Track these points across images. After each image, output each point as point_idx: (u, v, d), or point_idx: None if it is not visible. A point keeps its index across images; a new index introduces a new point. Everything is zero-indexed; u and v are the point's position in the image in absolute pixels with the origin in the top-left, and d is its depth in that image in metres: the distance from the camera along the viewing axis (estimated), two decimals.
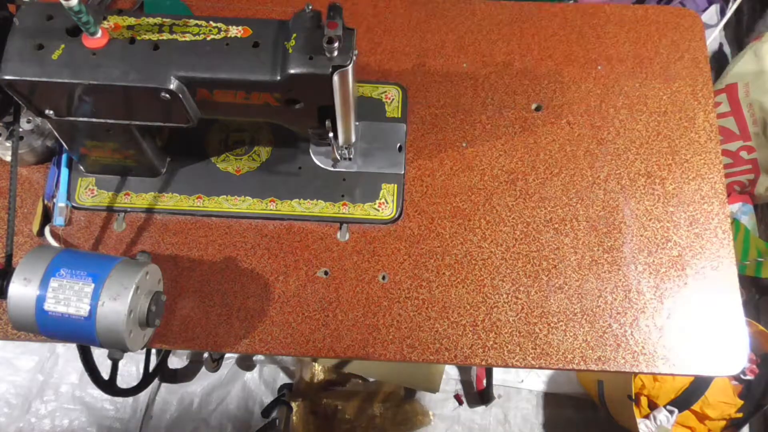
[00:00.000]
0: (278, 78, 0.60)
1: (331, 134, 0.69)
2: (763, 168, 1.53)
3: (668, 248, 0.80)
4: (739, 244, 1.49)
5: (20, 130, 0.76)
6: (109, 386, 1.02)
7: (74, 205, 0.80)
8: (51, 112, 0.64)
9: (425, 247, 0.80)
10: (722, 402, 1.38)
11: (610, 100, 0.88)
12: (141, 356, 1.33)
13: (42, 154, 0.81)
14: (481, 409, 1.56)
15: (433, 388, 1.46)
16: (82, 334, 0.59)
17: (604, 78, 0.89)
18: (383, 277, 0.79)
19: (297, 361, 1.54)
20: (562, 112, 0.87)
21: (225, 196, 0.80)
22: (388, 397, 1.52)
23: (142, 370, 1.26)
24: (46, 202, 0.80)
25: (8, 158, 0.80)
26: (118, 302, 0.58)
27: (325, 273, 0.79)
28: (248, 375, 1.57)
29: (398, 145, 0.83)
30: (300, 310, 0.77)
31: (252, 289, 0.78)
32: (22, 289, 0.58)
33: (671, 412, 1.35)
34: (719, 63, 1.73)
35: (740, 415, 1.39)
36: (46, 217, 0.80)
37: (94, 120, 0.66)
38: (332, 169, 0.81)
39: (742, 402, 1.39)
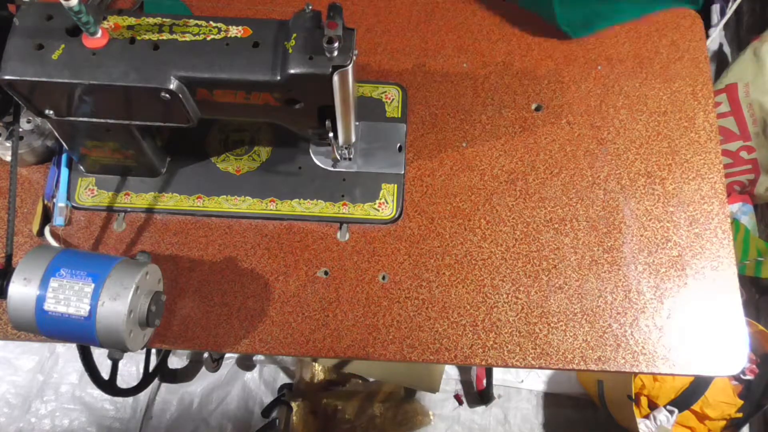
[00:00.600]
0: (278, 78, 0.60)
1: (331, 134, 0.69)
2: (763, 168, 1.53)
3: (668, 248, 0.80)
4: (739, 244, 1.49)
5: (20, 130, 0.76)
6: (109, 386, 1.02)
7: (74, 205, 0.80)
8: (51, 112, 0.64)
9: (425, 247, 0.80)
10: (722, 402, 1.38)
11: (610, 100, 0.88)
12: (141, 356, 1.33)
13: (42, 154, 0.81)
14: (481, 409, 1.56)
15: (433, 388, 1.46)
16: (82, 334, 0.59)
17: (604, 78, 0.89)
18: (383, 277, 0.79)
19: (297, 361, 1.54)
20: (562, 112, 0.87)
21: (225, 196, 0.80)
22: (388, 397, 1.52)
23: (142, 370, 1.26)
24: (46, 202, 0.80)
25: (8, 158, 0.80)
26: (118, 302, 0.58)
27: (325, 273, 0.79)
28: (248, 375, 1.57)
29: (398, 145, 0.83)
30: (300, 310, 0.77)
31: (252, 289, 0.78)
32: (22, 289, 0.58)
33: (671, 412, 1.35)
34: (719, 63, 1.73)
35: (740, 415, 1.39)
36: (46, 217, 0.80)
37: (94, 120, 0.66)
38: (332, 169, 0.81)
39: (742, 402, 1.39)
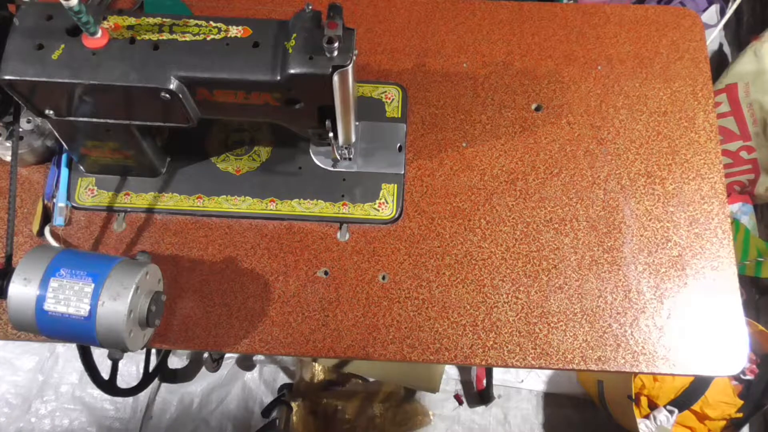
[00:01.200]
0: (278, 78, 0.59)
1: (331, 134, 0.69)
2: (763, 168, 1.53)
3: (668, 248, 0.80)
4: (739, 244, 1.49)
5: (20, 130, 0.76)
6: (109, 386, 1.02)
7: (74, 205, 0.80)
8: (51, 112, 0.64)
9: (425, 247, 0.80)
10: (722, 402, 1.38)
11: (610, 100, 0.88)
12: (141, 356, 1.33)
13: (42, 154, 0.81)
14: (481, 409, 1.56)
15: (433, 388, 1.46)
16: (82, 334, 0.59)
17: (604, 78, 0.89)
18: (383, 277, 0.79)
19: (297, 361, 1.54)
20: (562, 112, 0.87)
21: (225, 196, 0.80)
22: (388, 397, 1.52)
23: (142, 370, 1.26)
24: (46, 202, 0.80)
25: (8, 158, 0.80)
26: (118, 302, 0.58)
27: (325, 273, 0.79)
28: (248, 375, 1.57)
29: (398, 145, 0.83)
30: (300, 310, 0.77)
31: (252, 289, 0.78)
32: (22, 289, 0.58)
33: (671, 412, 1.35)
34: (719, 63, 1.73)
35: (740, 415, 1.39)
36: (46, 217, 0.80)
37: (94, 120, 0.66)
38: (332, 169, 0.81)
39: (742, 402, 1.39)
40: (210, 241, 0.79)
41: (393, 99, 0.85)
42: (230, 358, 1.57)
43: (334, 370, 1.51)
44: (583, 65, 0.89)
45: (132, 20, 0.60)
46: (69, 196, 0.80)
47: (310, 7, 0.61)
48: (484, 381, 1.52)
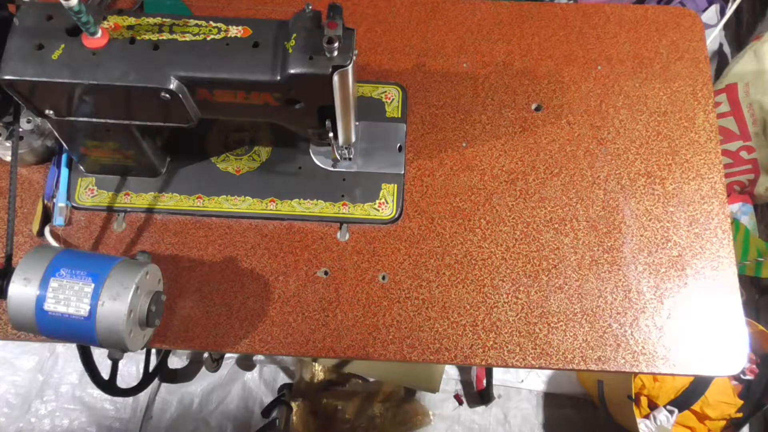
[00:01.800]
0: (278, 78, 0.59)
1: (331, 134, 0.69)
2: (763, 168, 1.53)
3: (668, 248, 0.80)
4: (739, 244, 1.49)
5: (20, 130, 0.76)
6: (109, 386, 1.02)
7: (74, 205, 0.80)
8: (51, 112, 0.64)
9: (425, 247, 0.80)
10: (722, 402, 1.38)
11: (610, 100, 0.88)
12: (141, 356, 1.33)
13: (42, 154, 0.81)
14: (481, 409, 1.56)
15: (433, 388, 1.46)
16: (82, 334, 0.59)
17: (604, 78, 0.89)
18: (383, 277, 0.79)
19: (297, 361, 1.54)
20: (562, 112, 0.87)
21: (225, 196, 0.80)
22: (388, 397, 1.52)
23: (142, 370, 1.26)
24: (46, 202, 0.80)
25: (8, 158, 0.80)
26: (118, 302, 0.58)
27: (325, 273, 0.79)
28: (248, 375, 1.57)
29: (398, 145, 0.83)
30: (300, 310, 0.77)
31: (252, 289, 0.78)
32: (22, 289, 0.58)
33: (671, 412, 1.35)
34: (719, 63, 1.73)
35: (740, 415, 1.39)
36: (46, 217, 0.80)
37: (94, 120, 0.66)
38: (332, 169, 0.81)
39: (742, 402, 1.39)
40: (210, 241, 0.79)
41: (393, 99, 0.85)
42: (230, 358, 1.57)
43: (334, 370, 1.51)
44: (583, 65, 0.89)
45: (132, 20, 0.60)
46: (69, 196, 0.80)
47: (310, 7, 0.61)
48: (484, 381, 1.52)
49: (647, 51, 0.90)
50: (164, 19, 0.61)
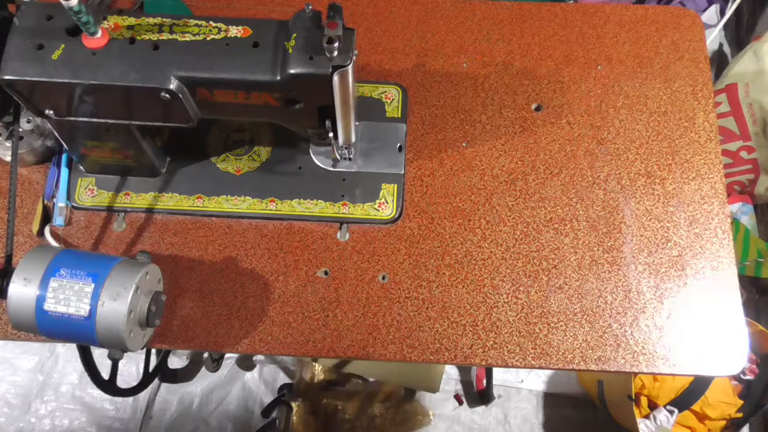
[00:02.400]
0: (278, 78, 0.60)
1: (331, 134, 0.69)
2: (763, 168, 1.53)
3: (668, 248, 0.80)
4: (739, 244, 1.49)
5: (20, 130, 0.76)
6: (109, 386, 1.02)
7: (74, 205, 0.80)
8: (51, 112, 0.64)
9: (425, 247, 0.80)
10: (722, 402, 1.38)
11: (610, 100, 0.88)
12: (141, 356, 1.33)
13: (42, 154, 0.81)
14: (481, 409, 1.56)
15: (433, 388, 1.46)
16: (82, 334, 0.59)
17: (604, 78, 0.89)
18: (383, 277, 0.79)
19: (297, 361, 1.54)
20: (562, 112, 0.87)
21: (225, 196, 0.80)
22: (388, 397, 1.52)
23: (142, 370, 1.26)
24: (46, 202, 0.80)
25: (8, 158, 0.80)
26: (118, 302, 0.58)
27: (325, 273, 0.79)
28: (248, 375, 1.57)
29: (398, 145, 0.83)
30: (300, 310, 0.77)
31: (252, 289, 0.78)
32: (22, 289, 0.58)
33: (671, 412, 1.35)
34: (719, 63, 1.73)
35: (740, 415, 1.39)
36: (46, 217, 0.80)
37: (94, 120, 0.66)
38: (332, 169, 0.81)
39: (742, 402, 1.39)
40: (210, 241, 0.79)
41: (393, 99, 0.85)
42: (230, 358, 1.57)
43: (334, 370, 1.51)
44: (583, 65, 0.89)
45: (132, 20, 0.61)
46: (69, 196, 0.80)
47: (310, 7, 0.61)
48: (484, 381, 1.52)
49: (647, 51, 0.90)
50: (164, 19, 0.61)
